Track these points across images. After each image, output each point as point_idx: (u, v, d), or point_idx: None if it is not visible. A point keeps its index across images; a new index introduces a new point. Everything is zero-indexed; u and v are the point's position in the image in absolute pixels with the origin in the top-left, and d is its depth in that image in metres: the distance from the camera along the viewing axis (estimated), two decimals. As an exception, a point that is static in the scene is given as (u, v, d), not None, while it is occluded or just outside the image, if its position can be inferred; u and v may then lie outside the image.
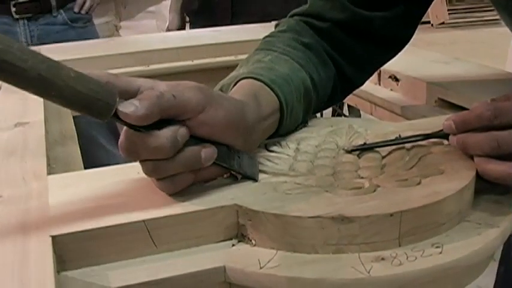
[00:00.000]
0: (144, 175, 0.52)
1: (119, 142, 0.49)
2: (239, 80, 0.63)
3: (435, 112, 0.85)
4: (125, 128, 0.48)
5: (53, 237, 0.46)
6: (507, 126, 0.52)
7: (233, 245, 0.51)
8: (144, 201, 0.52)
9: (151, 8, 3.57)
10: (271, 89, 0.62)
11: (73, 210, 0.51)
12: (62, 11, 1.82)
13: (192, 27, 2.04)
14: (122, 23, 3.22)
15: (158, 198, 0.52)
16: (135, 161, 0.51)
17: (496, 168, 0.52)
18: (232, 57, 1.34)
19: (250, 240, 0.51)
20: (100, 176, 0.59)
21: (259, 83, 0.62)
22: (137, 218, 0.49)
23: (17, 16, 1.75)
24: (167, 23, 2.11)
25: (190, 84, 0.52)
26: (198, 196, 0.53)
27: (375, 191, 0.52)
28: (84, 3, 1.85)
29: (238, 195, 0.52)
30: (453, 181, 0.53)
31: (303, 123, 0.69)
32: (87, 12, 1.88)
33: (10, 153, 0.68)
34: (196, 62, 1.32)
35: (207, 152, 0.51)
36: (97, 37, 1.95)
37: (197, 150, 0.50)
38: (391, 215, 0.48)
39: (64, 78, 0.44)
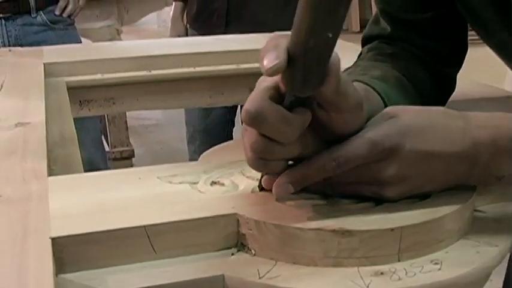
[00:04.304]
0: (145, 180, 0.52)
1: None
2: None
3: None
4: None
5: (53, 239, 0.46)
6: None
7: (232, 254, 0.51)
8: (144, 207, 0.52)
9: (153, 14, 3.59)
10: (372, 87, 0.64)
11: (73, 213, 0.51)
12: (41, 12, 1.81)
13: (190, 34, 2.05)
14: (124, 28, 3.23)
15: (159, 204, 0.52)
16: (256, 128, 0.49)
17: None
18: (234, 66, 1.35)
19: (250, 250, 0.51)
20: (101, 179, 0.59)
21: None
22: (138, 223, 0.49)
23: None
24: (169, 30, 2.12)
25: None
26: (199, 204, 0.53)
27: (376, 205, 0.52)
28: (65, 6, 1.84)
29: (239, 204, 0.52)
30: (454, 198, 0.53)
31: None
32: (69, 16, 1.87)
33: (10, 153, 0.68)
34: (198, 69, 1.32)
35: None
36: (79, 40, 1.95)
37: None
38: (392, 230, 0.48)
39: None
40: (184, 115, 2.09)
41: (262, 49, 0.47)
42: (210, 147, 2.00)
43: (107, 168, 2.04)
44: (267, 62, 0.45)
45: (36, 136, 0.74)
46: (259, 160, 0.51)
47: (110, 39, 3.13)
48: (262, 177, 0.55)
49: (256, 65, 1.35)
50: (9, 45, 1.72)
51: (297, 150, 0.51)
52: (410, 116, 0.51)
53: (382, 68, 0.69)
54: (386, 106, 0.63)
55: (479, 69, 1.27)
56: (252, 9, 1.84)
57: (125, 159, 2.95)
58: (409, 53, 0.74)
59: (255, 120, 0.47)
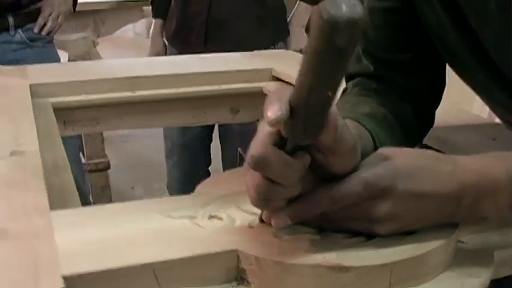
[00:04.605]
0: (145, 214, 0.54)
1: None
2: None
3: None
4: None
5: (65, 278, 0.49)
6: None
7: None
8: (149, 244, 0.54)
9: (129, 26, 3.59)
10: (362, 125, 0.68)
11: (79, 250, 0.53)
12: (20, 30, 1.82)
13: (168, 50, 2.08)
14: (100, 39, 3.24)
15: (162, 240, 0.55)
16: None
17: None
18: (216, 87, 1.38)
19: (250, 284, 0.53)
20: (101, 213, 0.61)
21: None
22: (145, 261, 0.51)
23: None
24: (149, 47, 2.14)
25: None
26: (200, 239, 0.55)
27: (367, 239, 0.56)
28: (44, 24, 1.86)
29: (238, 239, 0.55)
30: (439, 233, 0.57)
31: None
32: (48, 34, 1.88)
33: (10, 184, 0.69)
34: (181, 89, 1.35)
35: None
36: (57, 58, 1.96)
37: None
38: (384, 265, 0.52)
39: None
40: (163, 130, 2.11)
41: (266, 101, 0.50)
42: (188, 161, 2.03)
43: (84, 183, 2.05)
44: (271, 114, 0.48)
45: (33, 167, 0.75)
46: (262, 200, 0.55)
47: (86, 51, 3.13)
48: (262, 211, 0.58)
49: (236, 85, 1.39)
50: None
51: (297, 190, 0.55)
52: (403, 158, 0.55)
53: (370, 105, 0.73)
54: (375, 143, 0.66)
55: (451, 86, 1.32)
56: (229, 29, 1.88)
57: (101, 171, 2.95)
58: (392, 91, 0.78)
59: (259, 164, 0.51)
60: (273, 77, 1.42)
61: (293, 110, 0.49)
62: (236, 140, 1.94)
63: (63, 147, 0.94)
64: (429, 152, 0.58)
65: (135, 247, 0.54)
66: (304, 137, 0.51)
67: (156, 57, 1.91)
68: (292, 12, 2.03)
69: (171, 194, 2.11)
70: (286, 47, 1.97)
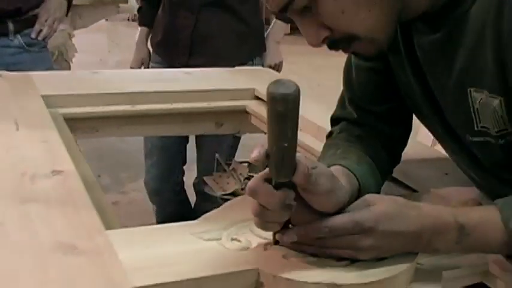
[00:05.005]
0: (182, 236, 0.73)
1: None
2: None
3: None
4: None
5: (136, 288, 0.66)
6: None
7: (252, 299, 0.72)
8: (191, 261, 0.72)
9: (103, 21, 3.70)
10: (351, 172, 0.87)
11: (137, 266, 0.71)
12: (18, 35, 1.94)
13: (153, 57, 2.23)
14: (76, 32, 3.35)
15: (200, 259, 0.73)
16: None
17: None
18: (205, 104, 1.55)
19: (267, 294, 0.72)
20: (150, 234, 0.79)
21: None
22: (191, 276, 0.69)
23: None
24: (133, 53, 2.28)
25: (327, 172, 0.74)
26: (228, 259, 0.74)
27: (351, 262, 0.75)
28: (41, 30, 1.98)
29: (257, 259, 0.74)
30: (405, 258, 0.76)
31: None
32: (43, 39, 2.00)
33: (63, 203, 0.86)
34: (174, 105, 1.52)
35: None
36: (50, 62, 2.09)
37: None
38: (367, 283, 0.71)
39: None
40: (142, 130, 2.27)
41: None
42: (166, 161, 2.18)
43: None
44: (253, 155, 0.69)
45: (75, 185, 0.92)
46: (259, 222, 0.74)
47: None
48: (274, 234, 0.77)
49: (222, 103, 1.56)
50: None
51: (285, 216, 0.74)
52: (382, 205, 0.74)
53: (357, 153, 0.92)
54: (360, 185, 0.86)
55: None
56: (213, 44, 2.04)
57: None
58: (371, 136, 0.98)
59: (251, 193, 0.71)
60: (255, 96, 1.60)
61: (267, 155, 0.69)
62: (212, 143, 2.11)
63: (87, 164, 1.10)
64: (400, 199, 0.77)
65: (179, 265, 0.72)
66: (277, 176, 0.70)
67: (151, 72, 2.04)
68: (269, 30, 2.20)
69: (148, 190, 2.27)
70: (262, 61, 2.15)
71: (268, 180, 0.71)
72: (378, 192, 0.92)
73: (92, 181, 1.03)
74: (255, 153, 0.69)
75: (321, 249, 0.76)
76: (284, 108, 0.65)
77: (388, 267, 0.74)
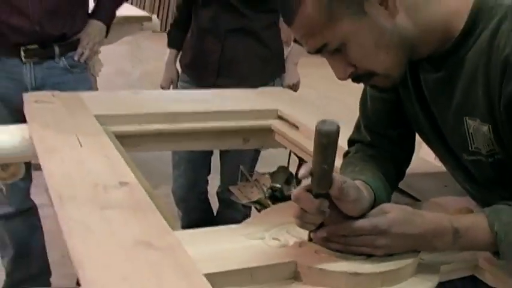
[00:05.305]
0: (237, 236, 0.94)
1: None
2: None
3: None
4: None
5: (205, 275, 0.86)
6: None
7: (293, 283, 0.92)
8: (246, 254, 0.93)
9: (128, 38, 3.91)
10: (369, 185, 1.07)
11: (203, 258, 0.91)
12: (63, 58, 2.13)
13: (181, 76, 2.43)
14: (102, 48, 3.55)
15: (252, 253, 0.93)
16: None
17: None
18: (233, 123, 1.75)
19: (302, 280, 0.92)
20: (210, 234, 1.00)
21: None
22: (246, 266, 0.90)
23: (25, 60, 2.04)
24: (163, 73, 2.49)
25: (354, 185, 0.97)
26: (273, 253, 0.94)
27: (366, 258, 0.95)
28: (82, 53, 2.18)
29: (294, 254, 0.94)
30: (410, 254, 0.96)
31: None
32: (85, 61, 2.21)
33: (134, 210, 1.06)
34: (208, 123, 1.72)
35: None
36: (90, 82, 2.28)
37: None
38: (380, 273, 0.91)
39: None
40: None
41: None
42: (193, 172, 2.40)
43: None
44: (300, 172, 0.92)
45: (141, 195, 1.12)
46: (300, 222, 0.96)
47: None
48: (310, 233, 0.97)
49: (249, 122, 1.76)
50: (36, 86, 2.04)
51: (321, 219, 0.95)
52: (394, 213, 0.95)
53: (371, 170, 1.13)
54: (375, 197, 1.06)
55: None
56: (238, 67, 2.24)
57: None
58: (382, 156, 1.18)
59: (295, 199, 0.93)
60: (279, 116, 1.80)
61: (310, 173, 0.91)
62: (235, 156, 2.31)
63: (143, 178, 1.30)
64: (409, 208, 0.98)
65: (235, 258, 0.92)
66: (318, 188, 0.92)
67: (184, 93, 2.21)
68: (287, 53, 2.41)
69: (175, 198, 2.47)
70: (281, 81, 2.37)
71: (309, 190, 0.92)
72: (389, 201, 1.13)
73: (150, 190, 1.23)
74: (302, 171, 0.92)
75: (345, 246, 0.96)
76: (327, 141, 0.87)
77: (396, 261, 0.95)
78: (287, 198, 1.70)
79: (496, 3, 0.97)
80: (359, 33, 0.98)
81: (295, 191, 0.93)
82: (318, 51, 1.01)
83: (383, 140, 1.21)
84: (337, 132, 0.87)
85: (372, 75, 1.04)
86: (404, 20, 0.99)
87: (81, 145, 1.37)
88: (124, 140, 1.64)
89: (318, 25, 0.97)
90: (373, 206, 1.01)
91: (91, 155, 1.32)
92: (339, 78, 1.06)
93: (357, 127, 1.25)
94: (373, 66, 1.02)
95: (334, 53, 1.01)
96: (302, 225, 0.97)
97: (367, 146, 1.22)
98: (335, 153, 0.89)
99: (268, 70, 2.29)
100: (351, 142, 1.26)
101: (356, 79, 1.06)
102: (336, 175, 0.92)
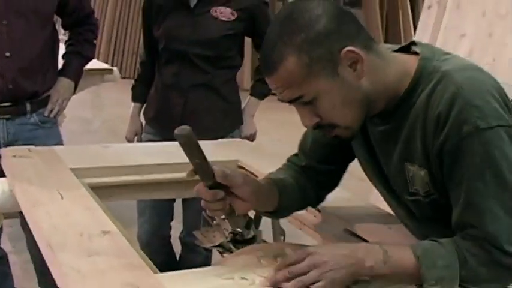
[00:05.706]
0: (209, 277, 1.09)
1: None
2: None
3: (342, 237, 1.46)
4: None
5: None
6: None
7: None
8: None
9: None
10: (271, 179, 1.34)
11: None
12: (34, 114, 2.26)
13: (146, 128, 2.57)
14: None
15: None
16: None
17: None
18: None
19: None
20: (189, 275, 1.15)
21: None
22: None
23: None
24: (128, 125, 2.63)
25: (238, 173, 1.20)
26: (242, 291, 1.09)
27: None
28: (52, 109, 2.31)
29: None
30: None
31: None
32: (54, 116, 2.33)
33: (116, 255, 1.19)
34: (173, 175, 1.87)
35: None
36: (59, 136, 2.39)
37: None
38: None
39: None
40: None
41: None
42: (157, 218, 2.53)
43: None
44: (187, 174, 1.16)
45: (122, 243, 1.26)
46: (208, 212, 1.21)
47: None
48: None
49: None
50: (8, 141, 2.17)
51: (223, 205, 1.20)
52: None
53: (284, 174, 1.41)
54: (279, 189, 1.33)
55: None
56: (201, 118, 2.39)
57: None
58: (307, 176, 1.42)
59: (196, 193, 1.17)
60: (239, 166, 1.96)
61: (194, 171, 1.14)
62: (197, 203, 2.44)
63: (118, 222, 1.44)
64: (361, 245, 1.17)
65: None
66: (204, 181, 1.16)
67: (150, 146, 2.33)
68: (244, 105, 2.59)
69: (140, 243, 2.58)
70: (240, 133, 2.54)
71: (208, 186, 1.16)
72: (300, 203, 1.43)
73: (129, 237, 1.37)
74: (188, 173, 1.17)
75: (295, 282, 1.09)
76: (184, 141, 1.12)
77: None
78: (247, 241, 1.84)
79: (434, 69, 1.18)
80: (331, 91, 1.17)
81: (196, 187, 1.18)
82: (292, 101, 1.20)
83: (313, 169, 1.42)
84: (190, 132, 1.11)
85: (334, 127, 1.23)
86: (367, 81, 1.18)
87: (62, 197, 1.51)
88: (98, 191, 1.77)
89: (297, 79, 1.16)
90: (279, 199, 1.31)
91: (73, 207, 1.45)
92: (305, 126, 1.26)
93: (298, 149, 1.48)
94: (337, 119, 1.21)
95: (306, 104, 1.19)
96: (212, 213, 1.22)
97: (298, 166, 1.45)
98: (199, 150, 1.14)
99: (227, 122, 2.46)
100: (287, 159, 1.50)
101: (319, 128, 1.24)
102: (219, 167, 1.17)
